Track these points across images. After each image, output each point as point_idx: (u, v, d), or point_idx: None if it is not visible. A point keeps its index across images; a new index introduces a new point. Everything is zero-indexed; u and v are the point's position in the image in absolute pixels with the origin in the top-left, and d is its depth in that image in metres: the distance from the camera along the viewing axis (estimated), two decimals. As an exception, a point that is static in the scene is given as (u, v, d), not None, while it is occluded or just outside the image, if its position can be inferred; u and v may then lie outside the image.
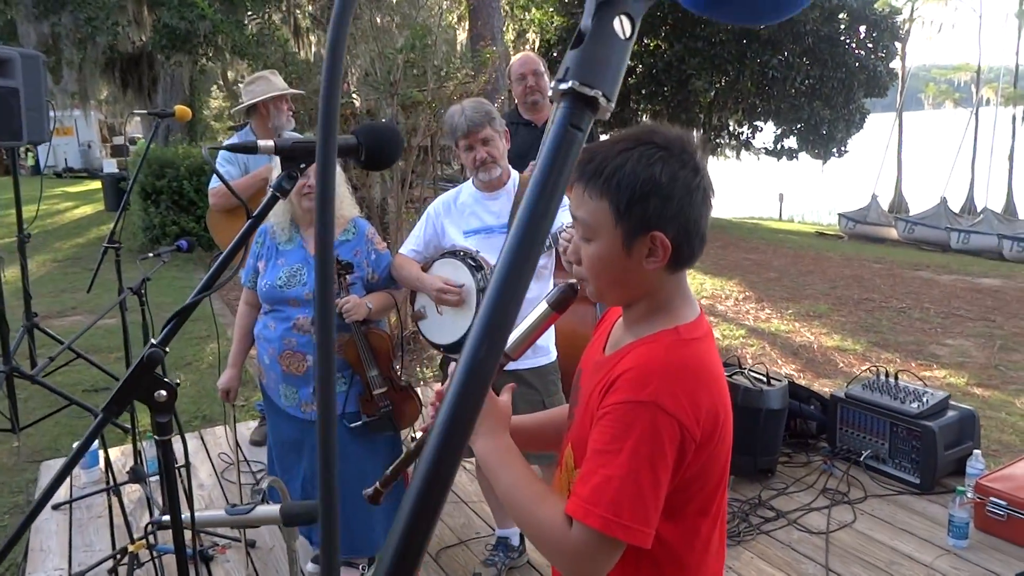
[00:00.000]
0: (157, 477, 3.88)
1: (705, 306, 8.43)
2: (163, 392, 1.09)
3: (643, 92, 16.93)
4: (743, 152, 19.29)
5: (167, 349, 1.09)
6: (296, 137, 3.60)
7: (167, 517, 1.45)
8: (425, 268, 2.78)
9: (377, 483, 1.36)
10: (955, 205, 18.36)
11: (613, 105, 0.40)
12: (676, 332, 1.16)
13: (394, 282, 2.86)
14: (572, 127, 0.39)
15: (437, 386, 1.29)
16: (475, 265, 2.64)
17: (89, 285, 3.84)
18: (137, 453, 3.51)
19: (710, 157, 19.67)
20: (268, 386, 2.88)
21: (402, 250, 2.85)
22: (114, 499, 3.19)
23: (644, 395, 1.07)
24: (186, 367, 6.05)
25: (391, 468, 1.34)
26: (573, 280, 1.25)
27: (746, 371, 3.63)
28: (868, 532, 3.11)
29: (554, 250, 2.67)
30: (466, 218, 2.76)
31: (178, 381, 1.12)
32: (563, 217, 2.64)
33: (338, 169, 2.87)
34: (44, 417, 4.37)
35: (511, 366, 2.60)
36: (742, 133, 18.33)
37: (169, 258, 3.34)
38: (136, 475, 3.67)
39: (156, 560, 3.13)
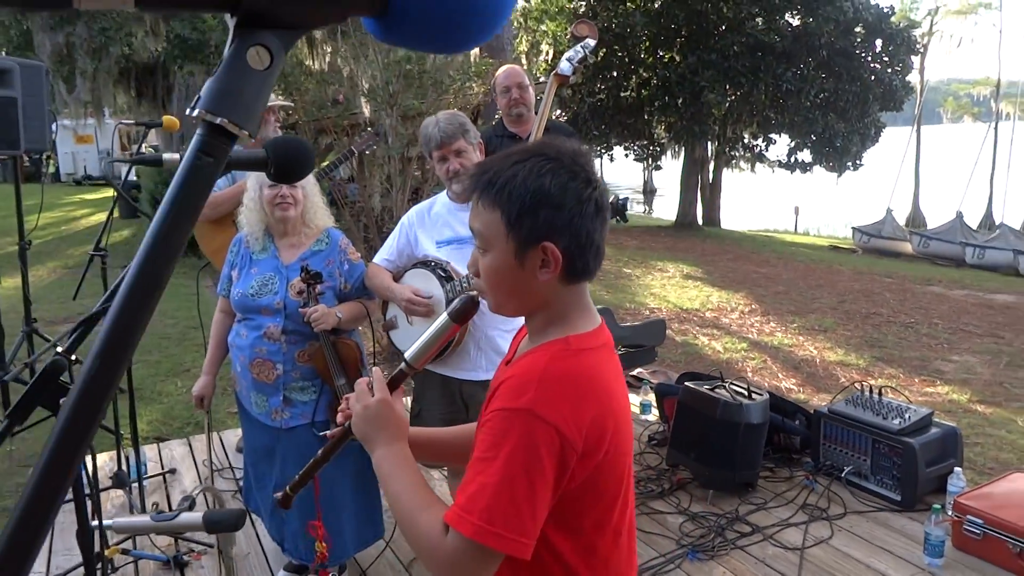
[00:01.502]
0: (145, 481, 3.93)
1: (709, 319, 8.39)
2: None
3: (656, 104, 16.93)
4: (757, 165, 19.21)
5: (74, 357, 1.10)
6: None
7: (110, 521, 1.47)
8: (397, 278, 2.80)
9: (287, 487, 1.37)
10: (974, 220, 18.14)
11: (249, 133, 0.41)
12: (565, 342, 1.16)
13: (368, 292, 2.88)
14: (203, 154, 0.40)
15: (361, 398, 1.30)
16: (445, 276, 2.65)
17: (75, 293, 3.91)
18: (122, 459, 3.53)
19: (724, 169, 19.62)
20: (241, 394, 2.92)
21: (376, 259, 2.87)
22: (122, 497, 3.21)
23: (521, 403, 1.07)
24: (184, 373, 6.11)
25: (300, 473, 1.36)
26: (474, 292, 1.26)
27: (727, 384, 3.60)
28: (844, 548, 3.07)
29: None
30: (439, 228, 2.78)
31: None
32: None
33: (311, 179, 2.90)
34: (38, 422, 4.42)
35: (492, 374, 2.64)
36: (756, 146, 18.26)
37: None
38: (119, 480, 3.71)
39: (133, 564, 3.17)
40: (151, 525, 1.40)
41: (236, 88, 0.39)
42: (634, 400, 4.77)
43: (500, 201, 1.13)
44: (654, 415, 4.47)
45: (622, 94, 17.33)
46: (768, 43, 15.02)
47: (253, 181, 2.79)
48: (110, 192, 15.83)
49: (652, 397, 4.48)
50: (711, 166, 19.24)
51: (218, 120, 0.39)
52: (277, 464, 2.84)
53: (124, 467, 3.62)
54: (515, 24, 17.25)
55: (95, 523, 1.42)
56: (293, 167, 1.22)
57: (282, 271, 2.77)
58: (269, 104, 3.82)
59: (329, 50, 11.90)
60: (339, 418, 1.36)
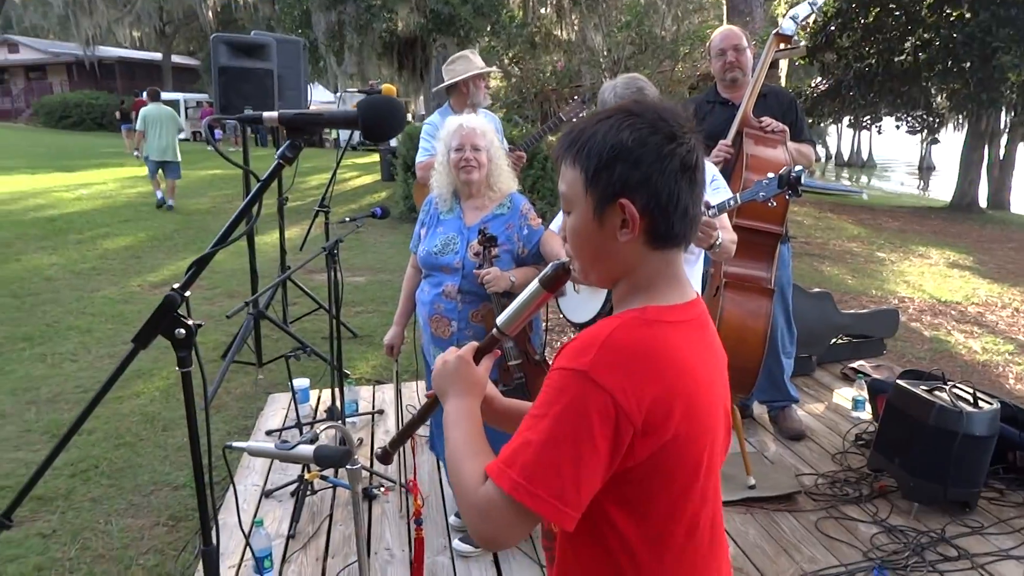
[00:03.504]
0: (354, 419, 4.35)
1: (970, 315, 7.42)
2: (182, 331, 1.25)
3: (937, 69, 15.02)
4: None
5: (187, 293, 1.24)
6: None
7: (238, 444, 1.66)
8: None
9: (386, 444, 1.44)
10: None
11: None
12: (643, 311, 1.09)
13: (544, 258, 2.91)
14: None
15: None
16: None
17: (302, 244, 4.37)
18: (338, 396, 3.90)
19: (1020, 144, 17.00)
20: (424, 346, 3.10)
21: (552, 226, 2.89)
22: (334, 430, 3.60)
23: (579, 364, 1.02)
24: (411, 324, 6.59)
25: (399, 431, 1.42)
26: (566, 259, 1.22)
27: (949, 387, 3.15)
28: (1076, 596, 2.58)
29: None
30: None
31: (201, 323, 1.27)
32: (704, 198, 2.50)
33: (497, 143, 2.96)
34: (280, 356, 5.03)
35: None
36: (1065, 116, 15.54)
37: (363, 223, 3.69)
38: (331, 414, 4.14)
39: (331, 490, 3.54)
40: (272, 451, 1.55)
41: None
42: (847, 395, 4.35)
43: (580, 159, 1.10)
44: (868, 412, 4.05)
45: (896, 58, 15.58)
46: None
47: (442, 145, 2.92)
48: (377, 157, 17.40)
49: (866, 393, 4.06)
50: (1003, 140, 16.73)
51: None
52: (451, 416, 2.99)
53: (339, 404, 4.00)
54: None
55: (236, 443, 1.59)
56: (382, 127, 1.27)
57: (464, 232, 2.87)
58: (480, 71, 3.95)
59: (575, 19, 12.00)
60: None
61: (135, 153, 12.38)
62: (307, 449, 1.53)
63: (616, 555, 1.09)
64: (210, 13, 28.39)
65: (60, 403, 4.65)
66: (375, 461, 3.30)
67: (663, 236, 1.10)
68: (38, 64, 39.26)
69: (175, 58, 37.63)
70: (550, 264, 1.23)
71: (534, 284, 1.23)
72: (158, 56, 37.34)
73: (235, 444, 1.64)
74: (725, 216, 2.55)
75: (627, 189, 1.07)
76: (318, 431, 1.64)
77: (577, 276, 1.20)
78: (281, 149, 1.26)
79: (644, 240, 1.09)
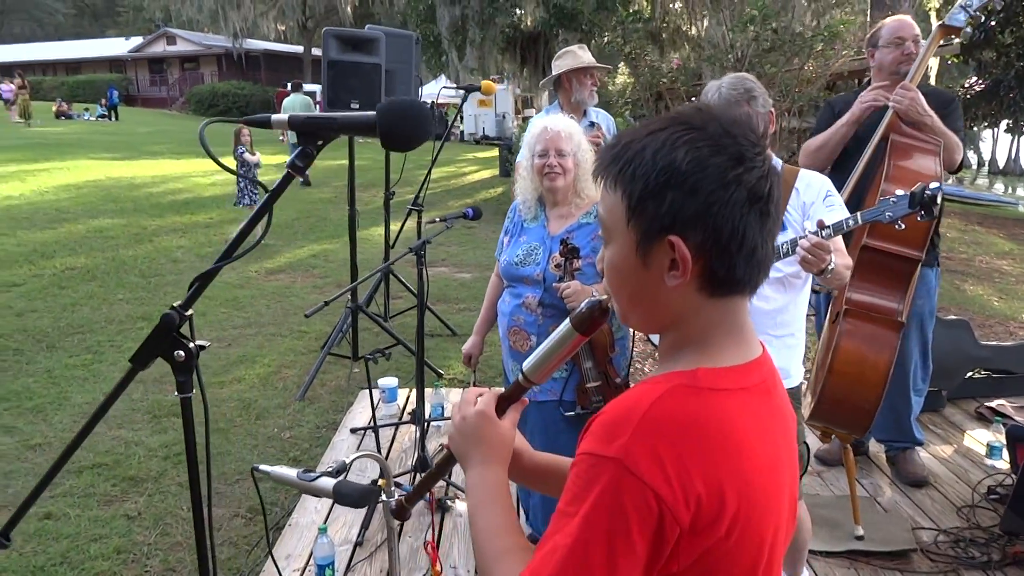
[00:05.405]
0: (439, 423, 4.26)
1: None
2: (181, 353, 1.14)
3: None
4: None
5: (189, 312, 1.13)
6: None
7: (264, 467, 1.56)
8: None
9: (402, 498, 1.29)
10: None
11: None
12: (693, 376, 0.88)
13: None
14: None
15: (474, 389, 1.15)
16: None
17: (394, 241, 4.31)
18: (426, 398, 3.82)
19: None
20: (504, 358, 2.94)
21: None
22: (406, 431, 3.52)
23: (611, 450, 0.82)
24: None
25: (416, 485, 1.26)
26: (604, 296, 1.02)
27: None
28: None
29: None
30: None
31: (205, 344, 1.16)
32: (817, 216, 2.20)
33: (585, 144, 2.74)
34: (362, 357, 5.02)
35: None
36: None
37: (453, 224, 3.58)
38: (414, 418, 4.06)
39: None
40: (292, 480, 1.44)
41: None
42: (981, 438, 3.86)
43: (623, 180, 0.90)
44: (1005, 461, 3.56)
45: (1067, 57, 14.05)
46: None
47: (526, 150, 2.74)
48: (497, 152, 17.43)
49: (1004, 438, 3.57)
50: None
51: None
52: (525, 435, 2.81)
53: (427, 406, 3.92)
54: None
55: (263, 467, 1.50)
56: (402, 132, 1.11)
57: (547, 242, 2.70)
58: (585, 65, 3.74)
59: (706, 16, 11.50)
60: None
61: (281, 138, 13.70)
62: (328, 482, 1.41)
63: None
64: (349, 8, 29.48)
65: (165, 383, 4.82)
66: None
67: (722, 282, 0.89)
68: (192, 56, 42.14)
69: (315, 51, 39.31)
70: (584, 301, 1.02)
71: (565, 325, 1.03)
72: (299, 49, 39.14)
73: (262, 467, 1.55)
74: (840, 239, 2.24)
75: (679, 223, 0.86)
76: (346, 461, 1.51)
77: (618, 317, 1.00)
78: (291, 158, 1.12)
79: (698, 286, 0.89)
